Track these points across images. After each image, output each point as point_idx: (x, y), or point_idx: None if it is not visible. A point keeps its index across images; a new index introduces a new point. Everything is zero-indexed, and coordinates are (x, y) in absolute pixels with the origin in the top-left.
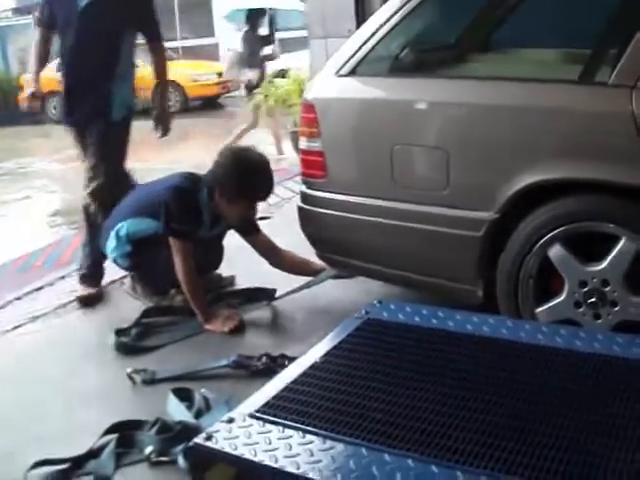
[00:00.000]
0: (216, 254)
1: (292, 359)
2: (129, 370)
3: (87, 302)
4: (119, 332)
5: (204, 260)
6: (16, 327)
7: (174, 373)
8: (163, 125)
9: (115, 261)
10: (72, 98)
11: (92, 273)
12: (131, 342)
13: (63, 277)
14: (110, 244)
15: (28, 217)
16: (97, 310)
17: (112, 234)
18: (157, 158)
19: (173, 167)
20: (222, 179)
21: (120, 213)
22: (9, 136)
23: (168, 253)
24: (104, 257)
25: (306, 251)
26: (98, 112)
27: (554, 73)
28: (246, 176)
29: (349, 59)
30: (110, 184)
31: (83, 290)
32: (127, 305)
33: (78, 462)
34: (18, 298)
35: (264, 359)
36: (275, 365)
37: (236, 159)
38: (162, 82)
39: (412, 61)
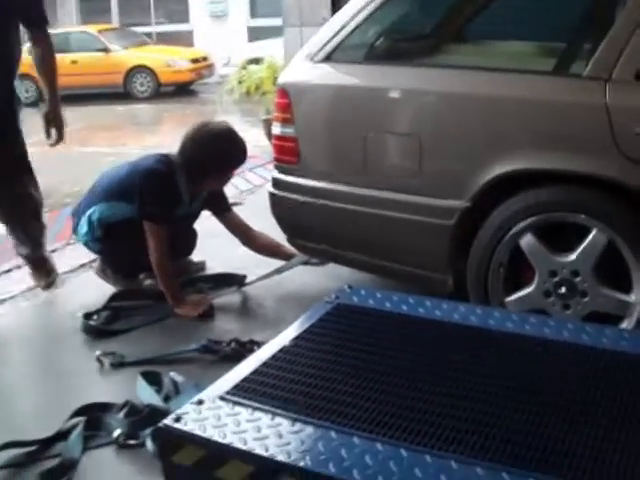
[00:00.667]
0: (190, 238)
1: (261, 344)
2: (98, 353)
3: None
4: (87, 315)
5: (178, 244)
6: None
7: (143, 357)
8: (58, 129)
9: (87, 245)
10: None
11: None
12: (100, 325)
13: None
14: (82, 229)
15: None
16: (65, 293)
17: (84, 219)
18: (133, 143)
19: (149, 152)
20: (197, 155)
21: (91, 197)
22: None
23: (140, 237)
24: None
25: (277, 237)
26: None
27: (529, 64)
28: (220, 146)
29: (324, 45)
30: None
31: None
32: (96, 288)
33: (45, 444)
34: None
35: (233, 344)
36: (244, 350)
37: (205, 133)
38: (51, 80)
39: (387, 49)
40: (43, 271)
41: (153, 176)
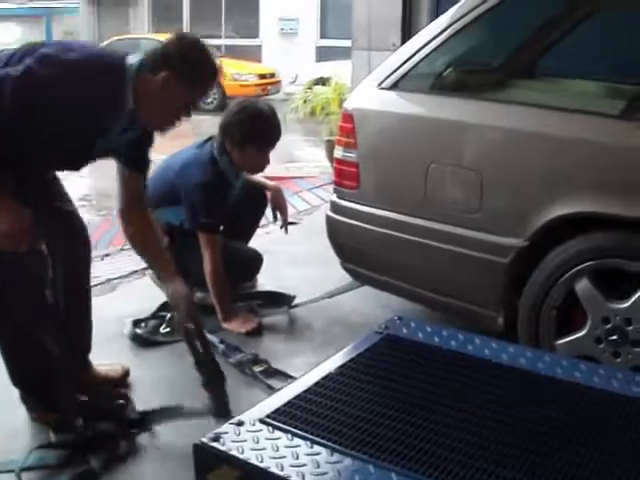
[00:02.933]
0: (255, 262)
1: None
2: None
3: None
4: (136, 322)
5: (241, 268)
6: None
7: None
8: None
9: None
10: None
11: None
12: (146, 334)
13: None
14: None
15: None
16: (117, 297)
17: None
18: None
19: None
20: (230, 128)
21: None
22: None
23: (196, 247)
24: None
25: (331, 260)
26: None
27: (595, 106)
28: (252, 120)
29: (392, 72)
30: None
31: None
32: (148, 295)
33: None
34: None
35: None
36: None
37: (241, 107)
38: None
39: (454, 80)
40: None
41: (203, 189)
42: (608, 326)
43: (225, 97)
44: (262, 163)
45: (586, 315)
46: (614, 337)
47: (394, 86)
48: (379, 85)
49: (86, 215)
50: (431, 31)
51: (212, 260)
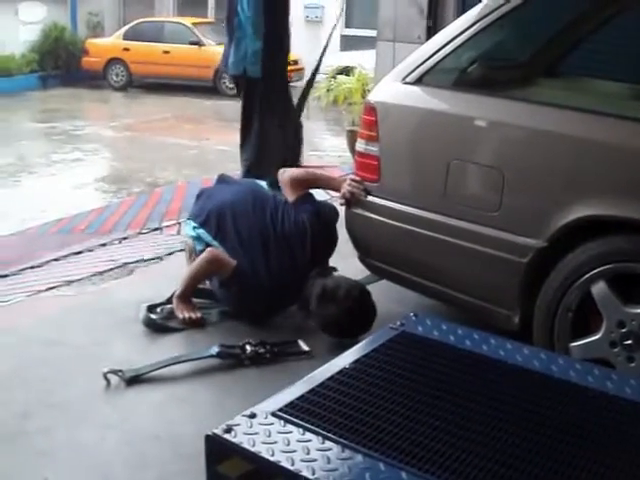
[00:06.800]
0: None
1: (273, 345)
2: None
3: None
4: (151, 308)
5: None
6: (50, 288)
7: (156, 365)
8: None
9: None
10: None
11: None
12: (160, 320)
13: (104, 244)
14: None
15: (75, 179)
16: (132, 282)
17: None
18: (216, 138)
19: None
20: (312, 308)
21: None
22: (68, 97)
23: None
24: None
25: (348, 252)
26: None
27: (620, 109)
28: (337, 316)
29: (417, 67)
30: None
31: None
32: (163, 280)
33: None
34: (56, 259)
35: (248, 348)
36: (262, 354)
37: (330, 293)
38: None
39: (478, 77)
40: None
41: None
42: (623, 330)
43: None
44: None
45: (602, 318)
46: (629, 341)
47: (418, 81)
48: (403, 79)
49: (103, 198)
50: (457, 27)
51: (202, 269)
